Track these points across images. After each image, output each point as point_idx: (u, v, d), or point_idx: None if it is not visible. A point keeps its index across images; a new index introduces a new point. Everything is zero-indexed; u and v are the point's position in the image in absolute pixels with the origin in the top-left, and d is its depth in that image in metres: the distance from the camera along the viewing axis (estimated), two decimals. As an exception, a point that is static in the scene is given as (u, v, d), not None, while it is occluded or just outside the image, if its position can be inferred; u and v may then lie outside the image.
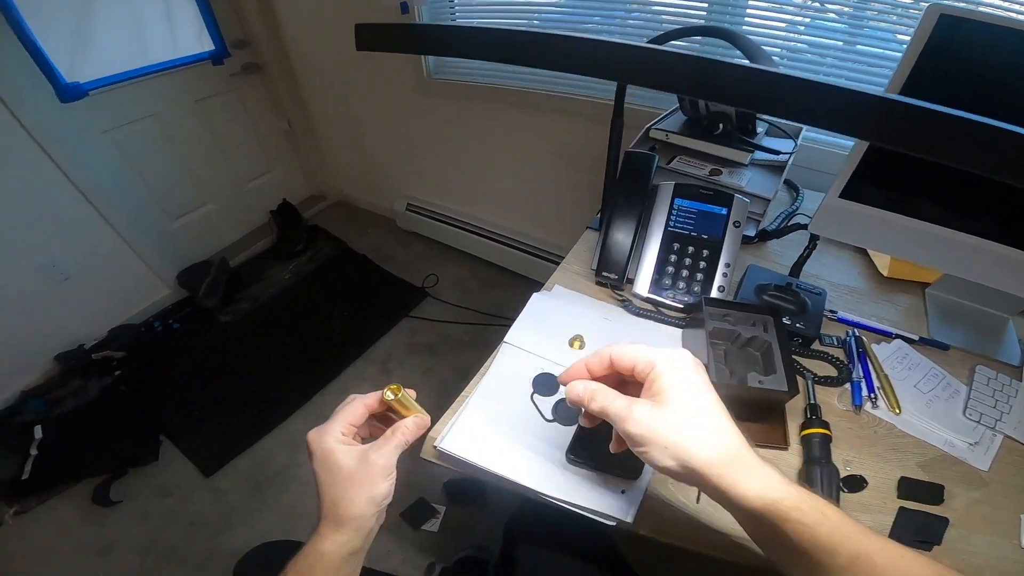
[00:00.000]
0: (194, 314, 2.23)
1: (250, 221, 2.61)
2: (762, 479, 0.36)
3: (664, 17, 1.42)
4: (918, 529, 0.56)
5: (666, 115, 1.09)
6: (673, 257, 0.83)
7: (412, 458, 1.73)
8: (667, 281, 0.82)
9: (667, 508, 0.59)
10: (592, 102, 1.60)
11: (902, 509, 0.58)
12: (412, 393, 0.52)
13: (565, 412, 0.69)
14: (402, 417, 0.51)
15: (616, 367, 0.43)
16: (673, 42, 0.81)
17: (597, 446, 0.64)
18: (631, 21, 1.51)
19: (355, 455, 0.47)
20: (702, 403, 0.38)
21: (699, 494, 0.61)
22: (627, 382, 0.44)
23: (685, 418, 0.37)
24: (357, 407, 0.50)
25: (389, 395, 0.50)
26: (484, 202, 2.27)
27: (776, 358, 0.64)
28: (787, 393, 0.61)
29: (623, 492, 0.60)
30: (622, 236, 0.84)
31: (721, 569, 0.56)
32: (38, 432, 1.74)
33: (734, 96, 0.28)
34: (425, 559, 1.41)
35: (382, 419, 0.54)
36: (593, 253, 0.92)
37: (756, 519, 0.36)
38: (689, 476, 0.37)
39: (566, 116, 1.70)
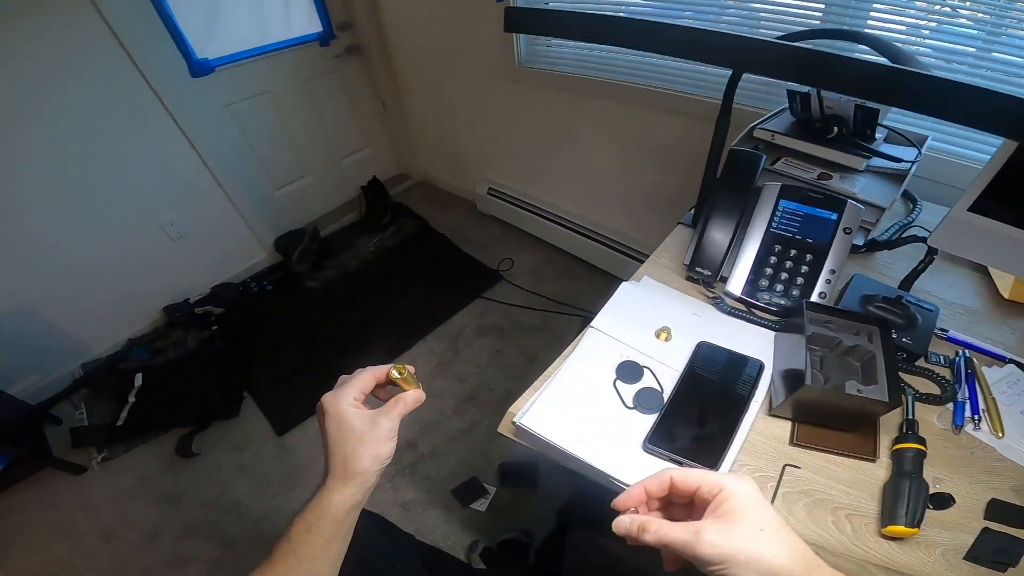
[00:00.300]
0: (286, 278, 2.40)
1: (342, 195, 2.77)
2: None
3: (762, 16, 1.34)
4: (997, 550, 0.56)
5: (771, 115, 1.06)
6: (773, 259, 0.81)
7: (472, 437, 1.75)
8: (763, 283, 0.81)
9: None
10: (689, 99, 1.55)
11: (985, 529, 0.58)
12: (412, 370, 0.59)
13: (646, 400, 0.70)
14: (403, 391, 0.57)
15: (677, 488, 0.44)
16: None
17: (678, 437, 0.65)
18: (725, 18, 1.44)
19: (366, 418, 0.53)
20: (773, 519, 0.40)
21: (775, 492, 0.62)
22: (672, 504, 0.46)
23: (761, 533, 0.39)
24: (367, 377, 0.56)
25: (395, 373, 0.57)
26: (565, 191, 2.27)
27: (879, 369, 0.63)
28: (887, 405, 0.60)
29: None
30: (720, 234, 0.83)
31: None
32: (138, 380, 1.89)
33: (910, 99, 0.28)
34: (469, 537, 1.44)
35: (378, 394, 0.60)
36: (685, 248, 0.92)
37: None
38: None
39: (659, 112, 1.66)
